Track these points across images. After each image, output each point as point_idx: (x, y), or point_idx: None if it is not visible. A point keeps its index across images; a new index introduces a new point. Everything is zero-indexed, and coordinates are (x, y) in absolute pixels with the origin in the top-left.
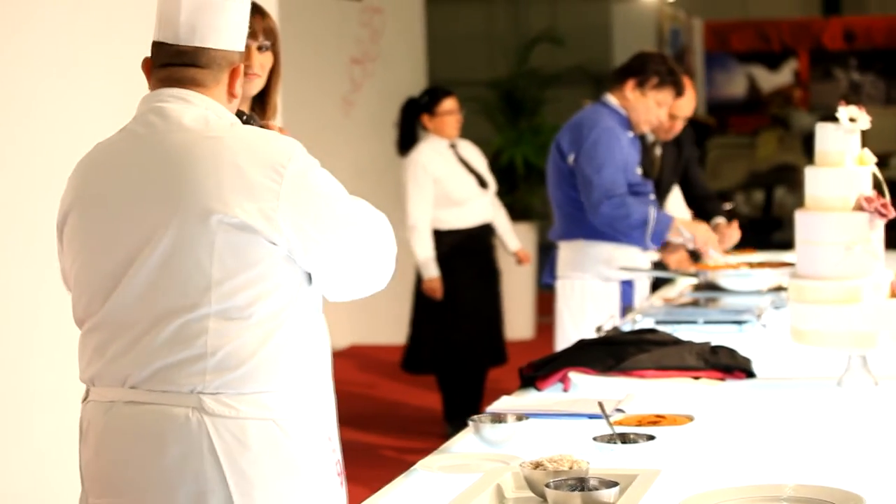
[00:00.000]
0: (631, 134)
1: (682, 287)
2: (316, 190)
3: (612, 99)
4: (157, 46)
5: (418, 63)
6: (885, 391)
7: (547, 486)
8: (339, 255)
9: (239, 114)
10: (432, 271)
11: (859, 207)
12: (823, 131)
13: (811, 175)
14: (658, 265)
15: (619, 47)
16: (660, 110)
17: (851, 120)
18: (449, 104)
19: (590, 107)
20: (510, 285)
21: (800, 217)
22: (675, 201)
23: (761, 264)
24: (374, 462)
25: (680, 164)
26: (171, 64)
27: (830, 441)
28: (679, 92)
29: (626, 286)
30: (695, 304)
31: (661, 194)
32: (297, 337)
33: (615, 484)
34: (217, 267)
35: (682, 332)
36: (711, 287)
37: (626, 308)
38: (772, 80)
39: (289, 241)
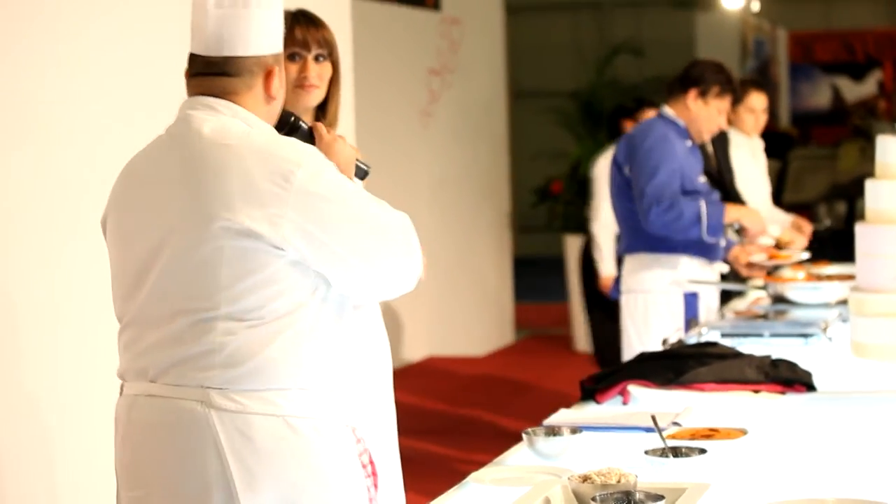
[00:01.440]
0: (689, 143)
1: (751, 300)
2: (325, 194)
3: (668, 110)
4: (191, 57)
5: (498, 73)
6: None
7: (593, 499)
8: (351, 257)
9: (286, 115)
10: (610, 269)
11: None
12: (884, 144)
13: (871, 188)
14: (725, 277)
15: (704, 58)
16: (720, 118)
17: None
18: (649, 114)
19: (646, 119)
20: None
21: (860, 230)
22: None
23: (830, 277)
24: (438, 473)
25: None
26: (202, 73)
27: (889, 456)
28: (738, 98)
29: (691, 298)
30: (763, 317)
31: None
32: (312, 338)
33: (661, 498)
34: (225, 271)
35: (748, 346)
36: (780, 300)
37: (691, 321)
38: (856, 90)
39: (296, 247)
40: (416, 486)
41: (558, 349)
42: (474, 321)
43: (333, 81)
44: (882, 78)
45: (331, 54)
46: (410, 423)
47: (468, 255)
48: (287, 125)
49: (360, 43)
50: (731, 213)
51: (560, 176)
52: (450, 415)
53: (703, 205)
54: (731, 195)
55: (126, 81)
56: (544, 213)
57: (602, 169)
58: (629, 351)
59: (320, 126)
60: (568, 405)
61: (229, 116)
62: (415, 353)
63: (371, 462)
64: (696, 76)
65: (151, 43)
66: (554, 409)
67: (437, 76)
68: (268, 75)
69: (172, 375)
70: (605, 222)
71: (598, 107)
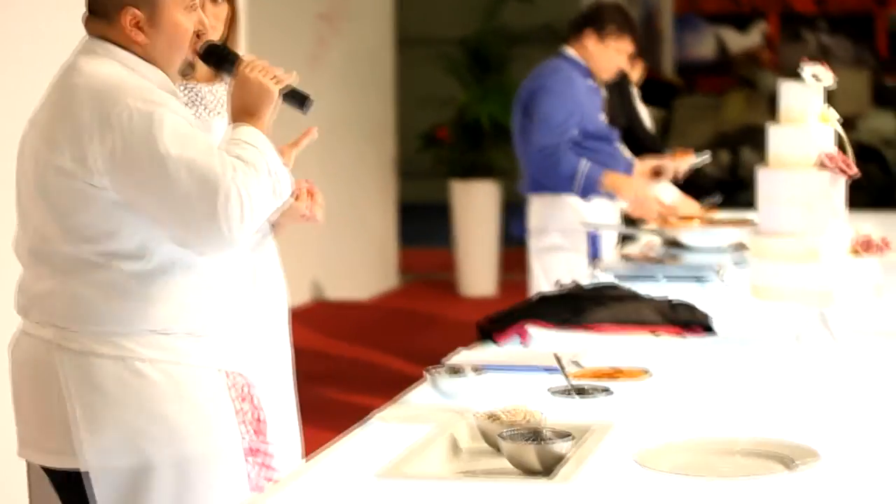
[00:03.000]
0: (591, 82)
1: (645, 243)
2: (138, 137)
3: (570, 51)
4: None
5: (386, 20)
6: (843, 347)
7: (501, 436)
8: (145, 203)
9: (214, 46)
10: None
11: (821, 165)
12: (787, 89)
13: (774, 133)
14: (626, 221)
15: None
16: (619, 58)
17: (815, 78)
18: None
19: (548, 60)
20: (473, 242)
21: (762, 174)
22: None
23: (723, 222)
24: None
25: (627, 107)
26: (87, 12)
27: (788, 396)
28: (635, 40)
29: (594, 239)
30: (657, 260)
31: None
32: (164, 280)
33: (569, 436)
34: (57, 209)
35: (643, 288)
36: (674, 244)
37: (595, 260)
38: (741, 41)
39: (106, 185)
40: (317, 427)
41: (444, 293)
42: (359, 266)
43: (232, 22)
44: (767, 29)
45: None
46: (303, 366)
47: (353, 200)
48: (214, 55)
49: None
50: (609, 180)
51: (446, 122)
52: (342, 358)
53: (582, 165)
54: (645, 142)
55: None
56: (430, 159)
57: None
58: (537, 291)
59: (244, 59)
60: (465, 347)
61: (103, 58)
62: (299, 297)
63: (255, 407)
64: (594, 17)
65: None
66: (446, 352)
67: (325, 21)
68: (127, 16)
69: (34, 313)
70: None
71: (485, 53)
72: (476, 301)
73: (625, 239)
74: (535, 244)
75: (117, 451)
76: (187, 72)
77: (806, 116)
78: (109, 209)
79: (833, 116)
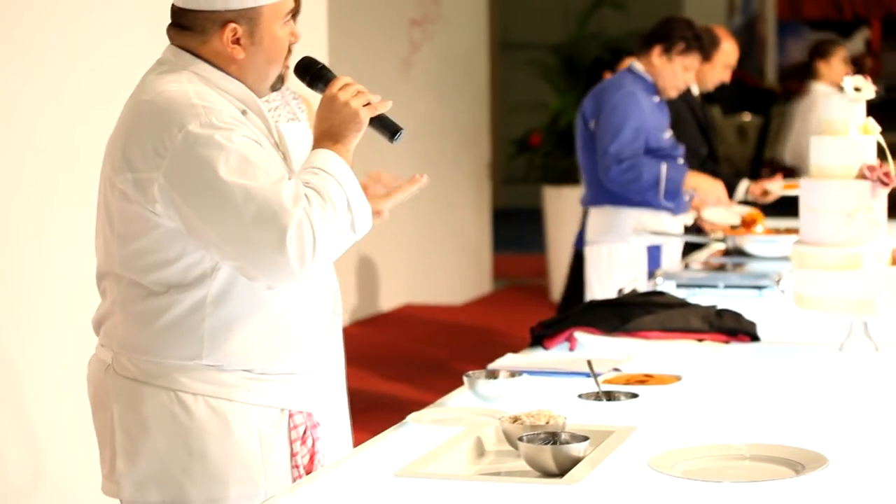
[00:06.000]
0: (657, 99)
1: (711, 252)
2: (198, 162)
3: (637, 65)
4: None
5: (480, 24)
6: (885, 357)
7: (520, 439)
8: (207, 231)
9: (309, 63)
10: None
11: (862, 176)
12: (828, 101)
13: (815, 144)
14: (689, 230)
15: (690, 14)
16: (686, 75)
17: (856, 89)
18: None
19: (615, 74)
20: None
21: (804, 185)
22: None
23: (788, 230)
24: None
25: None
26: (171, 24)
27: (822, 405)
28: (706, 57)
29: (655, 251)
30: (721, 268)
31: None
32: (217, 312)
33: (586, 438)
34: (117, 233)
35: (703, 297)
36: (739, 252)
37: (654, 272)
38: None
39: (166, 213)
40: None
41: (535, 299)
42: (453, 271)
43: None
44: (869, 36)
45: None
46: (385, 368)
47: (447, 205)
48: (309, 73)
49: None
50: (691, 180)
51: (540, 128)
52: (422, 360)
53: (664, 168)
54: (715, 153)
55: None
56: (524, 164)
57: None
58: (590, 299)
59: (339, 80)
60: (513, 352)
61: (180, 70)
62: (392, 301)
63: (314, 451)
64: (662, 33)
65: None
66: None
67: (418, 26)
68: (226, 32)
69: (100, 334)
70: None
71: (580, 60)
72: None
73: (691, 248)
74: (591, 254)
75: (152, 485)
76: (277, 86)
77: (847, 128)
78: (168, 237)
79: (874, 128)
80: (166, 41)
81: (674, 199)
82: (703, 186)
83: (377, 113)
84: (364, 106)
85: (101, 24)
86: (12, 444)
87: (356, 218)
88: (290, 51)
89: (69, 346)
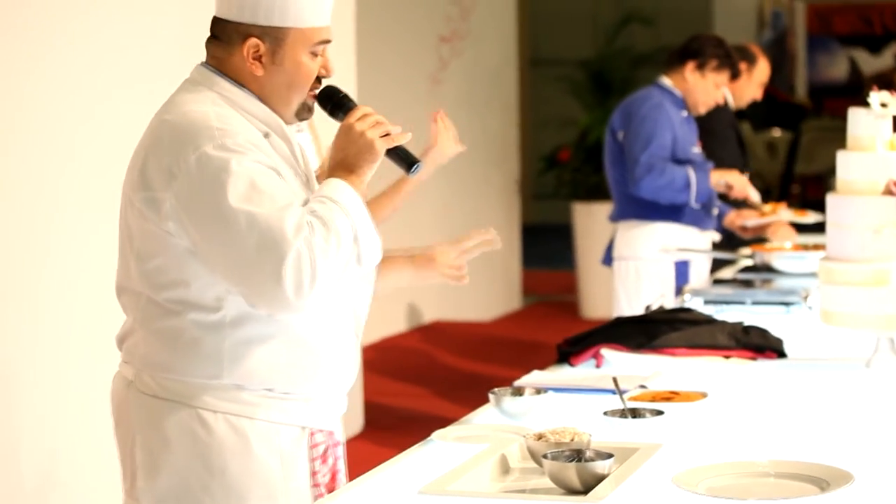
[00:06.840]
0: (685, 113)
1: (739, 268)
2: (207, 187)
3: (666, 80)
4: None
5: (509, 41)
6: None
7: (544, 456)
8: (214, 256)
9: (332, 91)
10: None
11: (888, 191)
12: (855, 116)
13: (842, 159)
14: (717, 246)
15: (720, 29)
16: (717, 92)
17: (883, 105)
18: None
19: (643, 88)
20: (594, 264)
21: (830, 200)
22: None
23: (816, 247)
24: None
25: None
26: (210, 35)
27: (851, 421)
28: (735, 74)
29: (682, 266)
30: (749, 284)
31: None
32: (235, 333)
33: (610, 456)
34: (136, 248)
35: (731, 313)
36: (766, 269)
37: (681, 288)
38: (873, 63)
39: (176, 232)
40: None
41: (564, 315)
42: (482, 287)
43: None
44: None
45: None
46: (414, 384)
47: (477, 221)
48: (331, 102)
49: (368, 8)
50: (714, 175)
51: (569, 144)
52: (452, 376)
53: (691, 172)
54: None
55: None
56: (553, 180)
57: None
58: (618, 315)
59: (358, 109)
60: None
61: (205, 90)
62: (422, 317)
63: (335, 470)
64: (696, 49)
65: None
66: None
67: (447, 43)
68: (247, 46)
69: (123, 351)
70: None
71: (609, 76)
72: (596, 323)
73: (720, 264)
74: (619, 270)
75: (172, 502)
76: (305, 116)
77: (874, 143)
78: (183, 257)
79: None
80: (168, 41)
81: (703, 199)
82: (728, 176)
83: (395, 144)
84: (382, 137)
85: (100, 24)
86: (27, 450)
87: (363, 251)
88: (319, 82)
89: (76, 348)
